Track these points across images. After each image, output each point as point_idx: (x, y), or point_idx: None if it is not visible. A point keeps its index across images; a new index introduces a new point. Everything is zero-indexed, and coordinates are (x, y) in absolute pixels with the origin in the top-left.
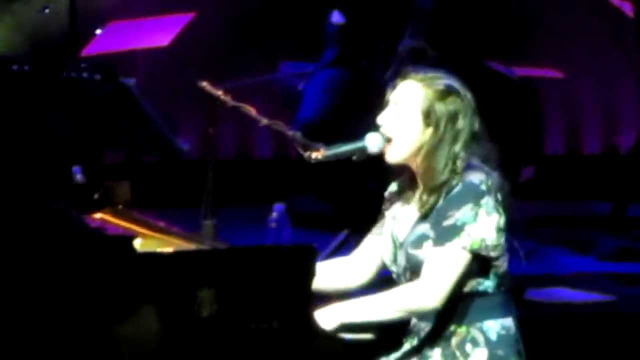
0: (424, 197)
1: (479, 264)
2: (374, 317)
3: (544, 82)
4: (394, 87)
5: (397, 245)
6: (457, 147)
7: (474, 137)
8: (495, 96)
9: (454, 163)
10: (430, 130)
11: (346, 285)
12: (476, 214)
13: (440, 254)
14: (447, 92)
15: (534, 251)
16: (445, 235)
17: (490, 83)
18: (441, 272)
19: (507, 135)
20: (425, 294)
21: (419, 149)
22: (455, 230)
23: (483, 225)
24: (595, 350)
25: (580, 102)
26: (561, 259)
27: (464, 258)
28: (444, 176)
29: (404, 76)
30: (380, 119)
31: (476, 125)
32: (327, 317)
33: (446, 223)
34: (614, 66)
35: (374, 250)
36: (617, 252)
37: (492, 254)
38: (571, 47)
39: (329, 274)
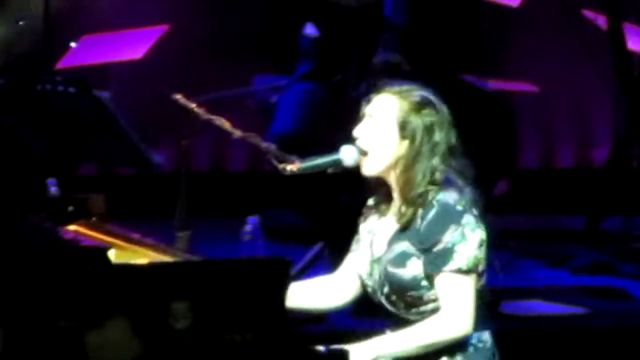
0: (402, 209)
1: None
2: (410, 351)
3: (517, 96)
4: (369, 101)
5: (374, 260)
6: (435, 160)
7: (451, 150)
8: (469, 110)
9: (432, 175)
10: (406, 142)
11: (329, 305)
12: (463, 234)
13: (449, 282)
14: (422, 105)
15: (508, 264)
16: (439, 260)
17: (464, 97)
18: (459, 298)
19: (481, 149)
20: (454, 325)
21: (396, 162)
22: (448, 254)
23: (472, 242)
24: None
25: (554, 116)
26: (536, 272)
27: (471, 278)
28: (421, 188)
29: (379, 90)
30: (356, 132)
31: (453, 139)
32: (363, 352)
33: (436, 249)
34: (588, 80)
35: (354, 269)
36: (591, 266)
37: (480, 268)
38: (545, 61)
39: (311, 292)
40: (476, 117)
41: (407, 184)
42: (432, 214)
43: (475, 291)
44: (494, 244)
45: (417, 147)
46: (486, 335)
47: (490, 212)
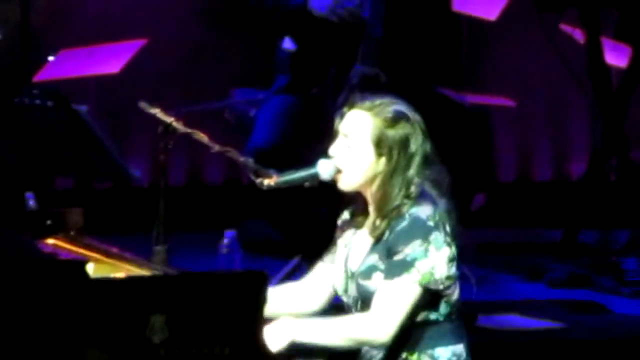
0: (377, 222)
1: (430, 296)
2: (324, 341)
3: (495, 110)
4: (342, 116)
5: (349, 275)
6: (411, 172)
7: (426, 159)
8: (446, 123)
9: (408, 188)
10: (383, 159)
11: (298, 311)
12: (426, 250)
13: (390, 288)
14: (396, 119)
15: (485, 278)
16: (394, 270)
17: (441, 110)
18: (391, 306)
19: (458, 163)
20: (375, 328)
21: (373, 178)
22: (405, 266)
23: (433, 260)
24: None
25: (531, 129)
26: (512, 286)
27: (414, 292)
28: (397, 201)
29: (351, 105)
30: (332, 151)
31: (428, 148)
32: (277, 334)
33: (396, 258)
34: (565, 93)
35: (324, 278)
36: (568, 279)
37: (442, 286)
38: (522, 75)
39: (280, 299)
40: (452, 130)
41: (383, 197)
42: (401, 225)
43: (413, 306)
44: (471, 258)
45: (394, 163)
46: (460, 348)
47: (467, 225)
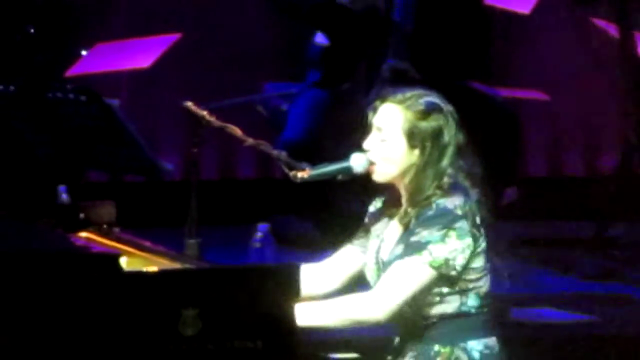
0: (408, 210)
1: (450, 283)
2: (321, 322)
3: (527, 104)
4: (374, 110)
5: (381, 267)
6: (444, 163)
7: (459, 150)
8: (477, 117)
9: (441, 179)
10: (416, 151)
11: (312, 292)
12: (445, 235)
13: (398, 267)
14: (428, 111)
15: (517, 271)
16: (407, 250)
17: (472, 104)
18: (394, 284)
19: (488, 157)
20: (373, 306)
21: (407, 171)
22: (418, 247)
23: (451, 246)
24: None
25: (562, 123)
26: (544, 279)
27: (422, 273)
28: (429, 191)
29: (383, 99)
30: (366, 145)
31: (461, 138)
32: None
33: (412, 239)
34: (597, 87)
35: (349, 260)
36: (599, 273)
37: (454, 272)
38: (554, 68)
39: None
40: (483, 123)
41: (416, 188)
42: (427, 214)
43: (420, 289)
44: (503, 252)
45: (427, 154)
46: (493, 341)
47: (498, 219)
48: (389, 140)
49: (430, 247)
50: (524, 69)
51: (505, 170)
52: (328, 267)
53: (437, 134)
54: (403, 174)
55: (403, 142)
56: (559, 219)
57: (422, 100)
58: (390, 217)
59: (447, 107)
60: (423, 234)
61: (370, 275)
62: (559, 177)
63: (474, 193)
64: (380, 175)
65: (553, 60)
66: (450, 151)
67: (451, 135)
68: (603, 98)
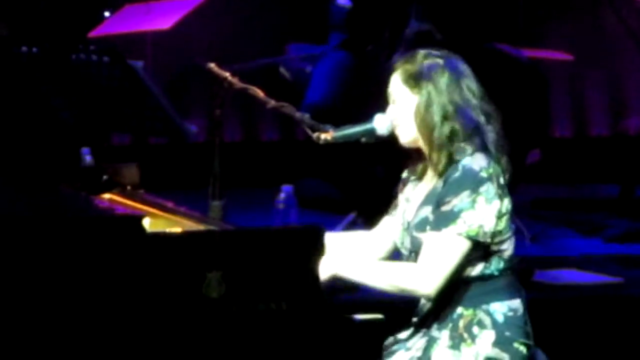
0: (434, 158)
1: (483, 249)
2: (367, 281)
3: (552, 65)
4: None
5: (406, 227)
6: (445, 99)
7: (470, 92)
8: (502, 78)
9: (445, 111)
10: (416, 94)
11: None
12: (474, 201)
13: (437, 240)
14: (423, 58)
15: (541, 234)
16: (441, 220)
17: (497, 65)
18: (438, 258)
19: (514, 117)
20: (422, 279)
21: (415, 119)
22: (451, 216)
23: (481, 212)
24: (602, 332)
25: (588, 84)
26: (569, 242)
27: (461, 245)
28: (444, 129)
29: (392, 72)
30: (388, 114)
31: (469, 83)
32: (323, 266)
33: (444, 208)
34: (622, 48)
35: (387, 231)
36: (624, 234)
37: (490, 240)
38: (580, 30)
39: (345, 245)
40: (509, 85)
41: (426, 127)
42: (454, 176)
43: (462, 259)
44: (527, 214)
45: (423, 91)
46: (517, 303)
47: (522, 181)
48: (398, 99)
49: (463, 215)
50: (549, 31)
51: (531, 132)
52: (372, 238)
53: (432, 76)
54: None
55: (406, 91)
56: (584, 181)
57: (420, 51)
58: (418, 179)
59: (449, 55)
60: (454, 202)
61: (397, 237)
62: (584, 138)
63: (499, 156)
64: (403, 137)
65: (579, 22)
66: (450, 92)
67: (449, 77)
68: (629, 59)
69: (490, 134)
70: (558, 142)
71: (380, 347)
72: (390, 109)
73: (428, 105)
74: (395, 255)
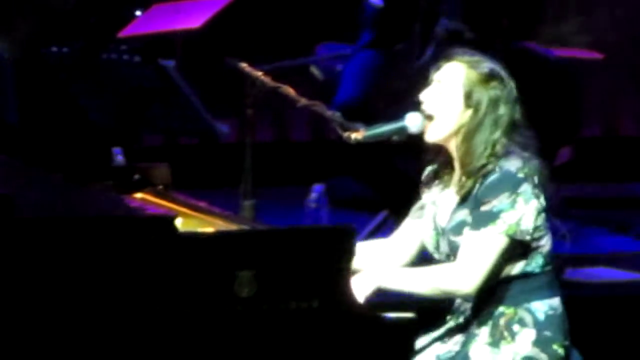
0: (463, 180)
1: (522, 247)
2: (409, 288)
3: (582, 63)
4: (438, 68)
5: (439, 232)
6: (497, 134)
7: (514, 125)
8: (532, 77)
9: (493, 148)
10: (470, 111)
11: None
12: (514, 201)
13: (476, 239)
14: (490, 77)
15: (572, 232)
16: (480, 220)
17: (527, 64)
18: (477, 257)
19: (545, 117)
20: (461, 278)
21: (458, 130)
22: (491, 217)
23: (520, 212)
24: (635, 330)
25: (618, 83)
26: (599, 239)
27: (500, 243)
28: (482, 160)
29: (449, 58)
30: (422, 96)
31: (517, 115)
32: (364, 280)
33: (483, 209)
34: None
35: (412, 234)
36: None
37: (528, 237)
38: (610, 29)
39: (369, 254)
40: (539, 83)
41: (467, 153)
42: (491, 179)
43: (500, 257)
44: (558, 212)
45: (480, 118)
46: (557, 302)
47: (553, 180)
48: (447, 92)
49: (502, 215)
50: (578, 29)
51: (561, 130)
52: (396, 243)
53: (494, 101)
54: (454, 133)
55: (460, 97)
56: (615, 180)
57: (488, 64)
58: (444, 183)
59: (509, 82)
60: (493, 203)
61: (429, 242)
62: (614, 137)
63: (532, 160)
64: (433, 132)
65: (609, 21)
66: (504, 124)
67: (508, 108)
68: None
69: (520, 143)
70: (588, 140)
71: (412, 345)
72: (429, 92)
73: (477, 132)
74: (420, 260)
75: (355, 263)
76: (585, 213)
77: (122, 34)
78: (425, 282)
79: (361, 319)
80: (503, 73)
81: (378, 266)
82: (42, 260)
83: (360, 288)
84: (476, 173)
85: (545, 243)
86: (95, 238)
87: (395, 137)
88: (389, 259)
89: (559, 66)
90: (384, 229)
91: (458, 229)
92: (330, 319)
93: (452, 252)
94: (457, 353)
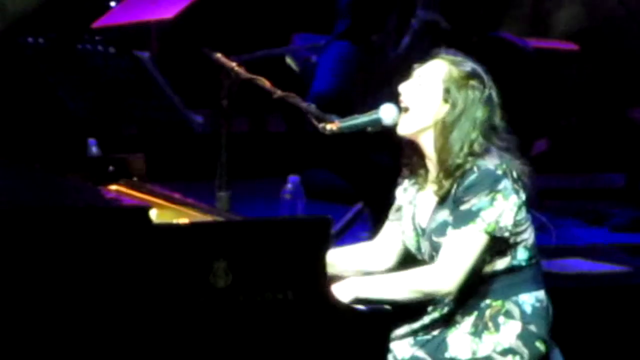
0: (441, 181)
1: (503, 243)
2: (389, 295)
3: (558, 55)
4: (422, 64)
5: (420, 233)
6: (474, 134)
7: (493, 128)
8: (508, 67)
9: (470, 147)
10: (447, 107)
11: (370, 270)
12: (493, 199)
13: (456, 238)
14: (471, 76)
15: (547, 223)
16: (460, 219)
17: (503, 54)
18: (457, 255)
19: (519, 108)
20: (440, 277)
21: (434, 125)
22: (470, 215)
23: (499, 208)
24: (609, 322)
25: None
26: (575, 231)
27: (480, 241)
28: (459, 159)
29: (434, 56)
30: (401, 88)
31: (496, 119)
32: (342, 291)
33: (463, 208)
34: (631, 38)
35: (393, 236)
36: (630, 224)
37: (507, 234)
38: (585, 19)
39: (353, 259)
40: (514, 74)
41: (443, 149)
42: (471, 178)
43: (480, 255)
44: (533, 204)
45: (457, 114)
46: (542, 294)
47: (532, 172)
48: (426, 86)
49: (482, 214)
50: (557, 20)
51: (537, 122)
52: (378, 247)
53: (472, 100)
54: (429, 127)
55: (439, 91)
56: (590, 171)
57: (471, 64)
58: (421, 184)
59: (491, 85)
60: (473, 202)
61: (410, 244)
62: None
63: (506, 154)
64: (408, 124)
65: (585, 12)
66: (481, 126)
67: (486, 111)
68: (636, 47)
69: (499, 145)
70: (564, 131)
71: (389, 335)
72: (408, 84)
73: (453, 128)
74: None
75: (339, 268)
76: (561, 204)
77: (97, 24)
78: (404, 287)
79: (336, 310)
80: (485, 76)
81: (360, 272)
82: (14, 250)
83: (339, 297)
84: (454, 172)
85: (529, 236)
86: (69, 229)
87: (369, 129)
88: (373, 263)
89: (534, 57)
90: (359, 221)
91: (441, 229)
92: (306, 310)
93: (436, 252)
94: (434, 337)
